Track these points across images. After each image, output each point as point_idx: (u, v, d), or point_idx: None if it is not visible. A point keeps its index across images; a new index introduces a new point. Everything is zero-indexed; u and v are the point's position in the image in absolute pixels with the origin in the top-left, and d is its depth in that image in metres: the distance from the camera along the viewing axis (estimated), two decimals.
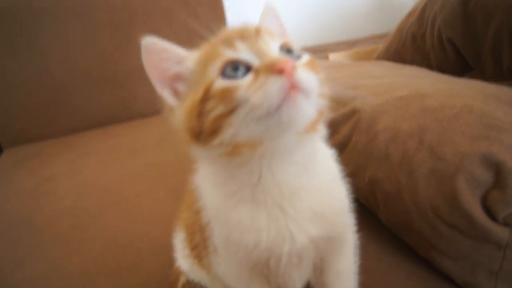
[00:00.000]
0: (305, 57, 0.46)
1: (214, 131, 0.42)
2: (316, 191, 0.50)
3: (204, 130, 0.42)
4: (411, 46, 1.18)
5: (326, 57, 1.63)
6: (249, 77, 0.41)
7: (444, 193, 0.63)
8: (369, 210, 0.84)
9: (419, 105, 0.76)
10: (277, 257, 0.50)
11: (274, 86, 0.39)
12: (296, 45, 0.48)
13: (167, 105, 0.49)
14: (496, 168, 0.59)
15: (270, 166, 0.46)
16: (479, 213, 0.59)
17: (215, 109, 0.41)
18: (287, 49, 0.46)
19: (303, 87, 0.40)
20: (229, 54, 0.43)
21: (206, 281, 0.69)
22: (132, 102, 1.93)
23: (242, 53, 0.43)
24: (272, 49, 0.44)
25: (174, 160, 1.36)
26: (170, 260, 0.79)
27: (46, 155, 1.60)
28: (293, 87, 0.39)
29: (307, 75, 0.41)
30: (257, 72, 0.41)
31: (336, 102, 0.94)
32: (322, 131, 0.50)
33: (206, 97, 0.42)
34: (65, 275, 0.84)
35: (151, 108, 1.94)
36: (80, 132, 1.83)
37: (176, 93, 0.48)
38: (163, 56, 0.47)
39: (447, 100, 0.74)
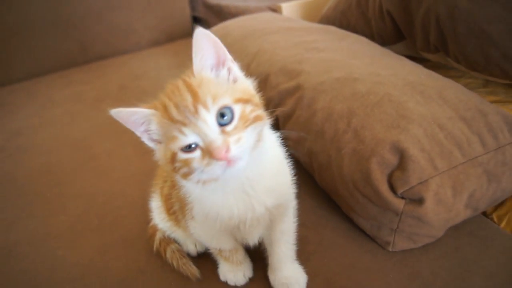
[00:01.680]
0: (236, 115, 0.55)
1: (186, 178, 0.58)
2: (268, 173, 0.66)
3: (178, 175, 0.59)
4: (356, 10, 1.27)
5: (279, 8, 1.68)
6: (198, 153, 0.55)
7: (361, 170, 0.81)
8: (308, 173, 1.02)
9: (351, 89, 0.91)
10: (243, 223, 0.67)
11: (216, 167, 0.54)
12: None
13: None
14: (401, 154, 0.77)
15: (232, 175, 0.59)
16: (385, 189, 0.78)
17: (182, 169, 0.57)
18: (221, 114, 0.54)
19: (237, 158, 0.54)
20: (182, 140, 0.54)
21: (181, 236, 0.87)
22: (90, 44, 1.93)
23: (190, 138, 0.54)
24: (210, 127, 0.53)
25: None
26: (146, 217, 0.96)
27: (8, 105, 1.64)
28: (229, 161, 0.53)
29: (238, 149, 0.54)
30: (203, 151, 0.54)
31: (283, 74, 1.07)
32: (267, 124, 0.62)
33: (173, 160, 0.57)
34: (55, 232, 0.99)
35: (109, 49, 1.95)
36: (38, 77, 1.84)
37: (152, 139, 0.61)
38: (131, 119, 0.59)
39: (373, 87, 0.89)
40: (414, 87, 0.88)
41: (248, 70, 1.16)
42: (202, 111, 0.54)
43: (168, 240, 0.88)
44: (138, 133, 0.60)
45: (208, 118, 0.54)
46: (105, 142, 1.31)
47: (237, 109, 0.55)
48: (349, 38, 1.16)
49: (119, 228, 0.98)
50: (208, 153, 0.53)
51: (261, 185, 0.65)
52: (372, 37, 1.28)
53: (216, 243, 0.77)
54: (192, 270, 0.82)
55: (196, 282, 0.81)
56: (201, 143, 0.54)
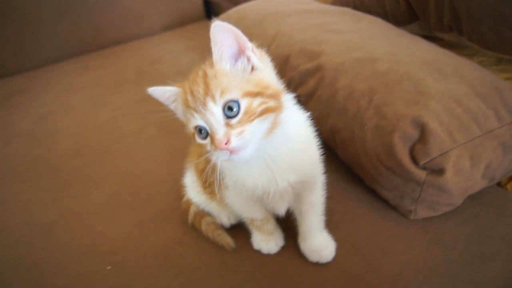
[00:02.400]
0: (242, 108, 0.59)
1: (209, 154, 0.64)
2: (292, 152, 0.70)
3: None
4: None
5: None
6: (208, 140, 0.62)
7: (384, 144, 0.86)
8: (330, 148, 1.07)
9: (371, 69, 0.95)
10: (267, 195, 0.73)
11: (220, 154, 0.60)
12: (234, 96, 0.59)
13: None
14: (421, 128, 0.82)
15: (239, 160, 0.63)
16: (407, 160, 0.83)
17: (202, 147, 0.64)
18: (229, 107, 0.59)
19: (238, 148, 0.59)
20: (194, 122, 0.62)
21: (215, 209, 0.93)
22: (103, 30, 1.96)
23: (199, 122, 0.61)
24: (215, 117, 0.59)
25: None
26: (177, 193, 1.02)
27: (28, 91, 1.68)
28: (232, 151, 0.59)
29: (239, 140, 0.58)
30: (211, 138, 0.61)
31: (303, 55, 1.12)
32: (289, 104, 0.68)
33: (193, 137, 0.64)
34: (92, 211, 1.05)
35: (122, 35, 1.98)
36: (53, 64, 1.88)
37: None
38: (165, 96, 0.68)
39: (392, 66, 0.93)
40: (431, 65, 0.93)
41: (267, 52, 1.21)
42: (210, 103, 0.59)
43: (202, 214, 0.94)
44: (172, 108, 0.69)
45: (215, 111, 0.59)
46: (129, 124, 1.36)
47: (244, 103, 0.59)
48: (365, 19, 1.20)
49: (152, 205, 1.04)
50: (213, 143, 0.60)
51: (285, 163, 0.69)
52: (386, 17, 1.31)
53: (248, 212, 0.83)
54: (227, 240, 0.88)
55: (231, 251, 0.87)
56: (209, 131, 0.61)
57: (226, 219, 0.93)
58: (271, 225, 0.86)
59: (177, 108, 0.68)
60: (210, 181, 0.85)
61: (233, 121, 0.59)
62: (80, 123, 1.42)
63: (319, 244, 0.83)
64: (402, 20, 1.30)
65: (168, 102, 0.68)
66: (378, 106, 0.89)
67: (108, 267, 0.89)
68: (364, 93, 0.93)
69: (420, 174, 0.83)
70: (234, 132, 0.58)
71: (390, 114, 0.86)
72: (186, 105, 0.62)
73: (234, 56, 0.62)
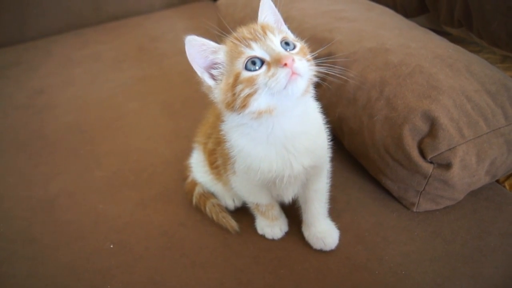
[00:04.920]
0: (298, 47, 0.65)
1: (244, 105, 0.62)
2: (309, 134, 0.72)
3: (236, 104, 0.62)
4: None
5: None
6: (264, 68, 0.60)
7: (393, 136, 0.87)
8: (335, 137, 1.07)
9: (383, 59, 0.95)
10: (280, 178, 0.73)
11: (282, 74, 0.58)
12: (290, 36, 0.68)
13: (206, 85, 0.67)
14: (431, 122, 0.83)
15: (279, 120, 0.66)
16: (415, 153, 0.84)
17: (243, 91, 0.61)
18: (285, 42, 0.64)
19: (299, 72, 0.59)
20: (248, 52, 0.61)
21: (220, 191, 0.93)
22: (103, 4, 1.91)
23: (257, 51, 0.61)
24: (276, 45, 0.62)
25: (159, 74, 1.49)
26: (180, 174, 1.01)
27: (26, 63, 1.64)
28: (293, 73, 0.58)
29: (301, 64, 0.60)
30: (269, 64, 0.60)
31: (314, 42, 1.10)
32: (311, 92, 0.70)
33: (236, 83, 0.62)
34: (93, 187, 1.04)
35: (122, 10, 1.94)
36: (51, 36, 1.83)
37: (212, 76, 0.66)
38: (202, 48, 0.64)
39: (404, 58, 0.93)
40: (443, 60, 0.93)
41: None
42: (269, 34, 0.63)
43: (207, 195, 0.94)
44: (199, 70, 0.65)
45: (275, 40, 0.62)
46: (131, 102, 1.34)
47: (298, 44, 0.66)
48: (376, 9, 1.19)
49: (156, 185, 1.03)
50: (276, 62, 0.59)
51: (302, 145, 0.71)
52: (394, 8, 1.31)
53: (253, 197, 0.84)
54: (231, 223, 0.89)
55: (235, 234, 0.88)
56: (267, 58, 0.61)
57: (231, 202, 0.93)
58: (276, 210, 0.87)
59: (213, 64, 0.66)
60: (217, 164, 0.85)
61: (293, 51, 0.63)
62: (80, 98, 1.39)
63: (323, 231, 0.84)
64: (411, 12, 1.29)
65: (200, 57, 0.65)
66: (389, 98, 0.89)
67: (111, 246, 0.88)
68: (375, 84, 0.93)
69: (427, 167, 0.84)
70: (296, 56, 0.60)
71: (401, 106, 0.87)
72: (240, 38, 0.63)
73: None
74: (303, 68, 0.60)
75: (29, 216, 0.97)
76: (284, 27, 0.72)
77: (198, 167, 0.95)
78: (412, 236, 0.86)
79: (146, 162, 1.10)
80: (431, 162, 0.84)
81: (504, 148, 0.86)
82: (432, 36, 1.05)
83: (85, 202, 1.00)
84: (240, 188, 0.83)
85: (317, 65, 0.65)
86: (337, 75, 0.70)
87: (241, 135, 0.71)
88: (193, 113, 0.87)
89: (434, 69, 0.90)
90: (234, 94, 0.62)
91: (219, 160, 0.84)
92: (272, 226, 0.87)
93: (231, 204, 0.93)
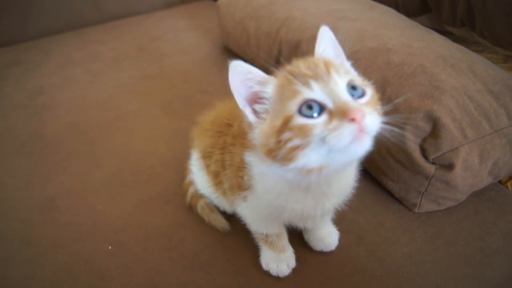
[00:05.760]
0: (368, 94, 0.53)
1: (289, 158, 0.50)
2: (345, 179, 0.66)
3: (279, 154, 0.51)
4: None
5: None
6: (324, 117, 0.48)
7: (395, 137, 0.86)
8: None
9: (385, 59, 0.94)
10: (312, 217, 0.68)
11: (346, 131, 0.46)
12: (358, 78, 0.56)
13: (247, 120, 0.56)
14: (434, 122, 0.82)
15: (327, 176, 0.55)
16: (417, 154, 0.83)
17: (292, 141, 0.49)
18: (352, 86, 0.52)
19: (368, 130, 0.48)
20: (306, 94, 0.50)
21: (217, 199, 0.87)
22: (103, 4, 1.90)
23: (318, 94, 0.49)
24: (342, 90, 0.50)
25: (159, 74, 1.48)
26: (180, 175, 1.00)
27: (25, 63, 1.63)
28: (361, 130, 0.47)
29: (372, 120, 0.48)
30: (331, 114, 0.48)
31: (315, 41, 1.09)
32: None
33: (284, 128, 0.50)
34: (92, 188, 1.03)
35: (122, 9, 1.94)
36: (51, 36, 1.82)
37: (254, 112, 0.56)
38: (248, 77, 0.54)
39: (406, 58, 0.92)
40: (445, 60, 0.92)
41: (277, 36, 1.20)
42: (334, 74, 0.51)
43: (198, 195, 0.93)
44: (241, 102, 0.55)
45: (340, 82, 0.50)
46: (130, 103, 1.34)
47: (369, 90, 0.54)
48: (377, 8, 1.18)
49: (155, 185, 1.02)
50: (340, 113, 0.47)
51: (337, 188, 0.65)
52: (397, 8, 1.30)
53: (264, 227, 0.76)
54: (221, 224, 0.88)
55: (233, 234, 0.86)
56: (330, 104, 0.49)
57: (229, 207, 0.88)
58: (285, 240, 0.79)
59: (259, 97, 0.55)
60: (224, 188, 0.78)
61: (362, 100, 0.51)
62: (79, 98, 1.39)
63: (323, 234, 0.83)
64: (413, 11, 1.29)
65: (245, 86, 0.54)
66: (391, 98, 0.88)
67: (109, 247, 0.88)
68: (377, 84, 0.91)
69: (429, 168, 0.83)
70: (366, 108, 0.48)
71: (403, 106, 0.86)
72: (297, 74, 0.52)
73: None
74: (374, 124, 0.49)
75: (27, 217, 0.96)
76: (348, 65, 0.60)
77: (195, 169, 0.89)
78: (413, 237, 0.85)
79: (146, 162, 1.10)
80: (433, 163, 0.83)
81: (507, 149, 0.85)
82: (435, 35, 1.04)
83: (83, 203, 0.99)
84: (248, 217, 0.75)
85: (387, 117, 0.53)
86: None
87: (276, 179, 0.61)
88: (193, 113, 0.85)
89: (437, 69, 0.89)
90: (279, 142, 0.51)
91: (225, 183, 0.76)
92: (278, 261, 0.78)
93: (229, 209, 0.88)
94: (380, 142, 0.88)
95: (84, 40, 1.76)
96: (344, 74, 0.52)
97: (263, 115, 0.55)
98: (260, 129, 0.54)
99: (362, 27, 1.07)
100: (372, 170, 0.96)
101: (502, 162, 0.86)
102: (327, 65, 0.52)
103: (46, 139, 1.21)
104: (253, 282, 0.79)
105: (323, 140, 0.48)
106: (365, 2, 1.23)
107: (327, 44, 0.59)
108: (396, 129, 0.53)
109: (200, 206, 0.91)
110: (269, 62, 1.27)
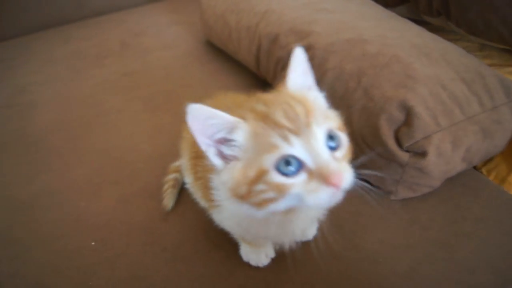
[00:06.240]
0: (344, 145, 0.52)
1: (260, 206, 0.50)
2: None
3: (250, 201, 0.50)
4: None
5: None
6: (303, 177, 0.47)
7: (370, 125, 0.88)
8: None
9: (360, 50, 0.96)
10: (280, 244, 0.69)
11: (325, 194, 0.46)
12: (334, 123, 0.52)
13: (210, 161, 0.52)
14: (407, 111, 0.83)
15: (325, 204, 0.53)
16: (392, 143, 0.85)
17: (266, 193, 0.48)
18: (329, 136, 0.50)
19: (344, 188, 0.48)
20: (286, 150, 0.46)
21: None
22: (85, 0, 1.89)
23: (298, 150, 0.46)
24: (322, 147, 0.47)
25: (141, 69, 1.49)
26: (161, 170, 1.01)
27: (8, 60, 1.62)
28: (337, 189, 0.47)
29: (349, 177, 0.48)
30: (311, 174, 0.47)
31: (293, 34, 1.11)
32: None
33: (257, 180, 0.48)
34: (75, 186, 1.04)
35: (105, 5, 1.93)
36: (33, 33, 1.81)
37: (220, 154, 0.51)
38: (210, 123, 0.49)
39: (382, 48, 0.94)
40: (419, 49, 0.94)
41: (257, 30, 1.20)
42: (314, 126, 0.47)
43: (175, 182, 0.96)
44: (203, 143, 0.50)
45: (319, 136, 0.48)
46: (113, 99, 1.34)
47: (343, 136, 0.52)
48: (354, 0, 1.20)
49: (137, 181, 1.03)
50: (321, 177, 0.46)
51: (307, 216, 0.65)
52: None
53: (239, 233, 0.76)
54: (166, 201, 0.92)
55: (214, 227, 0.86)
56: (309, 163, 0.47)
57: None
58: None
59: (227, 141, 0.51)
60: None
61: (338, 154, 0.50)
62: (62, 96, 1.38)
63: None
64: (391, 2, 1.30)
65: (207, 131, 0.49)
66: (366, 88, 0.90)
67: (92, 243, 0.89)
68: (352, 75, 0.93)
69: (403, 156, 0.85)
70: (343, 167, 0.48)
71: (378, 96, 0.87)
72: (274, 124, 0.47)
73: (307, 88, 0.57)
74: (349, 181, 0.48)
75: (10, 216, 0.97)
76: (317, 91, 0.58)
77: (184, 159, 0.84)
78: (389, 224, 0.87)
79: (128, 158, 1.10)
80: (407, 151, 0.85)
81: (479, 135, 0.87)
82: (410, 26, 1.06)
83: (67, 200, 1.00)
84: (223, 223, 0.73)
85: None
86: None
87: (241, 208, 0.56)
88: (176, 108, 0.86)
89: (411, 58, 0.91)
90: (250, 192, 0.49)
91: (198, 193, 0.77)
92: (257, 253, 0.80)
93: None
94: (356, 132, 0.90)
95: (66, 37, 1.75)
96: (322, 123, 0.49)
97: (231, 158, 0.51)
98: (228, 173, 0.51)
99: (339, 19, 1.08)
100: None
101: (475, 148, 0.88)
102: (308, 114, 0.48)
103: (28, 138, 1.21)
104: (234, 272, 0.81)
105: (299, 197, 0.47)
106: None
107: (299, 69, 0.56)
108: (366, 185, 0.53)
109: (171, 176, 0.95)
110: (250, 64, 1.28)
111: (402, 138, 0.84)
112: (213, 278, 0.80)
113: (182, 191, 0.96)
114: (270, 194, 0.48)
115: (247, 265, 0.81)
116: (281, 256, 0.82)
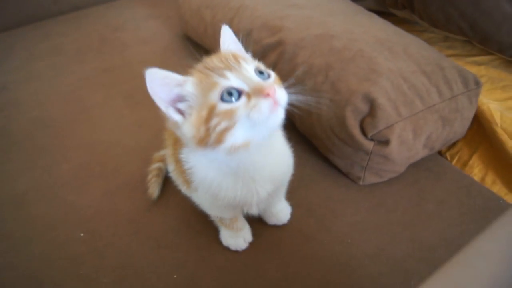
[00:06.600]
0: (272, 75, 0.62)
1: (220, 140, 0.57)
2: (273, 163, 0.71)
3: (210, 140, 0.57)
4: None
5: None
6: (243, 99, 0.56)
7: (337, 117, 0.94)
8: (289, 119, 1.14)
9: (328, 45, 1.01)
10: (247, 205, 0.74)
11: (264, 104, 0.55)
12: (261, 65, 0.64)
13: (172, 120, 0.60)
14: (371, 103, 0.90)
15: (249, 153, 0.62)
16: (357, 132, 0.92)
17: (220, 125, 0.56)
18: (259, 71, 0.60)
19: (280, 102, 0.57)
20: (224, 83, 0.57)
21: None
22: None
23: (234, 81, 0.57)
24: (253, 75, 0.58)
25: (121, 65, 1.51)
26: (145, 163, 1.06)
27: None
28: (275, 103, 0.56)
29: (282, 93, 0.58)
30: (249, 95, 0.56)
31: (266, 29, 1.16)
32: None
33: (210, 116, 0.56)
34: (61, 181, 1.08)
35: None
36: (11, 29, 1.81)
37: (178, 111, 0.60)
38: (165, 82, 0.58)
39: (348, 43, 1.00)
40: (383, 43, 1.00)
41: (231, 25, 1.24)
42: (243, 63, 0.59)
43: (159, 172, 1.02)
44: (163, 105, 0.59)
45: (249, 69, 0.59)
46: (94, 95, 1.37)
47: (272, 72, 0.63)
48: None
49: (121, 174, 1.08)
50: (257, 92, 0.55)
51: (268, 173, 0.70)
52: None
53: (217, 213, 0.84)
54: (151, 190, 0.98)
55: (195, 215, 0.92)
56: (245, 88, 0.57)
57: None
58: (240, 222, 0.87)
59: (180, 97, 0.60)
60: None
61: (269, 80, 0.60)
62: (44, 93, 1.41)
63: (275, 210, 0.91)
64: None
65: (165, 91, 0.59)
66: (333, 82, 0.96)
67: (81, 234, 0.94)
68: (321, 69, 0.99)
69: (368, 144, 0.92)
70: (275, 84, 0.58)
71: (344, 89, 0.94)
72: (212, 68, 0.59)
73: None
74: (283, 97, 0.58)
75: (0, 212, 1.01)
76: (248, 56, 0.67)
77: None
78: (358, 208, 0.94)
79: (112, 153, 1.15)
80: (371, 140, 0.92)
81: (439, 123, 0.95)
82: (375, 20, 1.12)
83: (54, 195, 1.04)
84: (202, 204, 0.82)
85: (291, 93, 0.62)
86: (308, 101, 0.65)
87: (208, 168, 0.68)
88: (155, 103, 0.90)
89: (375, 53, 0.97)
90: (208, 129, 0.57)
91: (178, 179, 0.83)
92: (236, 237, 0.87)
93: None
94: (325, 123, 0.97)
95: (45, 33, 1.76)
96: (251, 62, 0.61)
97: (188, 112, 0.59)
98: (188, 124, 0.59)
99: (309, 15, 1.13)
100: (321, 148, 1.05)
101: (435, 135, 0.95)
102: (236, 57, 0.61)
103: (13, 136, 1.24)
104: (215, 256, 0.88)
105: (247, 117, 0.56)
106: None
107: (229, 41, 0.67)
108: (300, 97, 0.63)
109: (155, 166, 1.00)
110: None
111: (366, 128, 0.91)
112: (196, 262, 0.87)
113: (165, 182, 1.01)
114: (223, 124, 0.56)
115: (227, 249, 0.88)
116: (258, 241, 0.89)
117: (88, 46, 1.65)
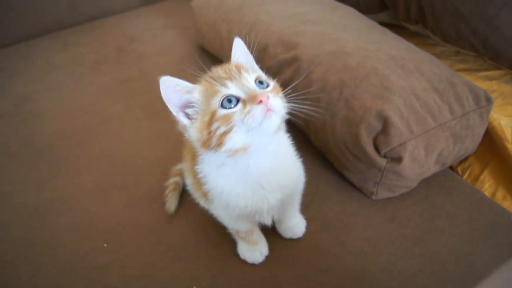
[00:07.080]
0: (271, 85, 0.68)
1: (220, 143, 0.63)
2: (282, 171, 0.75)
3: (212, 143, 0.64)
4: None
5: None
6: (240, 106, 0.62)
7: (351, 134, 0.97)
8: (304, 134, 1.17)
9: (342, 62, 1.04)
10: (259, 213, 0.77)
11: (257, 111, 0.60)
12: (263, 75, 0.71)
13: (181, 124, 0.68)
14: (384, 121, 0.93)
15: (254, 159, 0.68)
16: (370, 149, 0.95)
17: (219, 129, 0.63)
18: (259, 81, 0.66)
19: (273, 108, 0.62)
20: (224, 91, 0.63)
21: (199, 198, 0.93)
22: (79, 4, 1.94)
23: (233, 89, 0.64)
24: (251, 84, 0.65)
25: (139, 76, 1.56)
26: (164, 175, 1.10)
27: (7, 69, 1.68)
28: (268, 109, 0.61)
29: (275, 100, 0.63)
30: (244, 102, 0.62)
31: (281, 45, 1.19)
32: (283, 128, 0.72)
33: (212, 120, 0.63)
34: (84, 191, 1.13)
35: (99, 9, 1.97)
36: (29, 40, 1.86)
37: (187, 116, 0.67)
38: (176, 88, 0.66)
39: (361, 61, 1.03)
40: (396, 61, 1.02)
41: (247, 40, 1.28)
42: (244, 73, 0.66)
43: (176, 186, 1.06)
44: (174, 110, 0.66)
45: (249, 78, 0.66)
46: (113, 106, 1.41)
47: (271, 82, 0.68)
48: (339, 9, 1.27)
49: (142, 186, 1.12)
50: (251, 99, 0.61)
51: (276, 181, 0.74)
52: (357, 5, 1.39)
53: (233, 224, 0.88)
54: (169, 205, 1.02)
55: (214, 228, 0.96)
56: (243, 96, 0.63)
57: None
58: (256, 235, 0.90)
59: (189, 103, 0.67)
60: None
61: (267, 89, 0.66)
62: (64, 103, 1.46)
63: (291, 224, 0.94)
64: (372, 9, 1.38)
65: (175, 97, 0.66)
66: (347, 99, 0.99)
67: (104, 245, 0.98)
68: (335, 86, 1.02)
69: (381, 161, 0.95)
70: (270, 94, 0.63)
71: (358, 107, 0.97)
72: (216, 78, 0.65)
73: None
74: (277, 104, 0.63)
75: (26, 222, 1.06)
76: (256, 67, 0.75)
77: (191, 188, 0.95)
78: (371, 222, 0.97)
79: (132, 164, 1.19)
80: (384, 157, 0.94)
81: (450, 140, 0.97)
82: (388, 36, 1.14)
83: (78, 205, 1.09)
84: (219, 216, 0.87)
85: (289, 101, 0.68)
86: (306, 111, 0.70)
87: (219, 176, 0.73)
88: (173, 114, 0.94)
89: (388, 70, 1.00)
90: (210, 132, 0.63)
91: (197, 192, 0.89)
92: (252, 251, 0.90)
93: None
94: (339, 139, 1.00)
95: (63, 43, 1.81)
96: (252, 73, 0.67)
97: (195, 116, 0.66)
98: (194, 127, 0.66)
99: (324, 30, 1.16)
100: (335, 163, 1.08)
101: (447, 152, 0.98)
102: (238, 67, 0.67)
103: (35, 146, 1.29)
104: (232, 269, 0.91)
105: (242, 122, 0.61)
106: (328, 2, 1.31)
107: (240, 52, 0.73)
108: (296, 105, 0.68)
109: (172, 180, 1.04)
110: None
111: (380, 145, 0.93)
112: (215, 274, 0.90)
113: (184, 195, 1.05)
114: (222, 128, 0.62)
115: (244, 262, 0.91)
116: (274, 254, 0.92)
117: (105, 56, 1.69)
